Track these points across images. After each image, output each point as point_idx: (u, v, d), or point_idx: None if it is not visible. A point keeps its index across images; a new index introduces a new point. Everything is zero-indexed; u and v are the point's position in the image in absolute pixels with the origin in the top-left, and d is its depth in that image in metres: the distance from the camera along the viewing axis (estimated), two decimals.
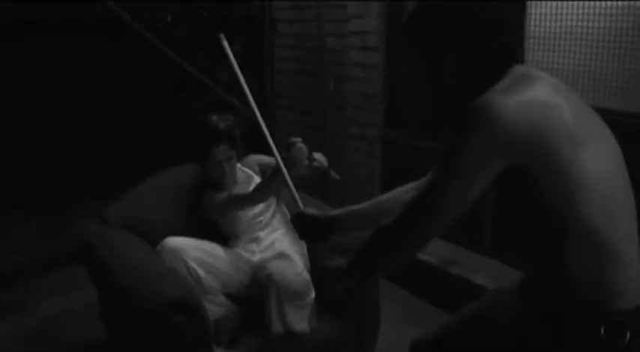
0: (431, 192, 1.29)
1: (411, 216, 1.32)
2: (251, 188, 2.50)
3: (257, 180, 2.59)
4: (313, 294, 2.38)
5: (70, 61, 3.60)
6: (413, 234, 1.32)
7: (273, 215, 2.60)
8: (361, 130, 3.84)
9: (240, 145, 2.52)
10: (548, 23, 2.68)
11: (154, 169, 2.79)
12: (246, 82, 1.88)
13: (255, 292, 2.40)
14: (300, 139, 2.15)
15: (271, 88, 4.46)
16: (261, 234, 2.54)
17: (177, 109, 4.02)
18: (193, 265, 2.29)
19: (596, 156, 1.26)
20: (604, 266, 1.27)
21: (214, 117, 2.49)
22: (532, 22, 2.73)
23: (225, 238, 2.57)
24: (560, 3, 2.64)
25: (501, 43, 1.33)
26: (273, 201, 2.60)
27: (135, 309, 2.03)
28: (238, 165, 2.59)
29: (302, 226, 1.79)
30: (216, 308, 2.31)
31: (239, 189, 2.53)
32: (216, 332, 2.28)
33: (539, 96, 1.26)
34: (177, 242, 2.33)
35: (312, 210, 1.81)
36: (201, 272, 2.30)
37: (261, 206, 2.54)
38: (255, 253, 2.50)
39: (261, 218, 2.55)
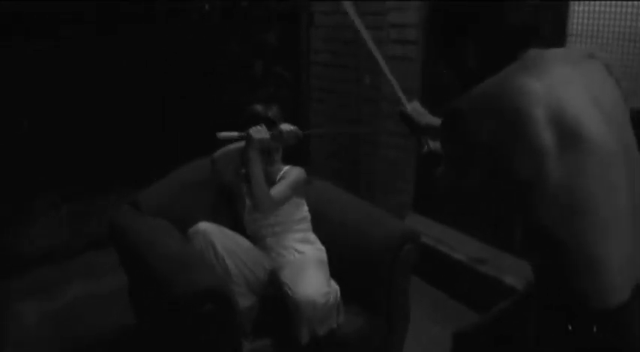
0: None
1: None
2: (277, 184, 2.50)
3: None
4: (338, 295, 2.36)
5: (109, 52, 3.64)
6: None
7: (284, 226, 2.55)
8: (396, 125, 3.79)
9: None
10: (591, 21, 2.63)
11: (188, 158, 2.81)
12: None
13: (272, 294, 2.40)
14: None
15: (306, 80, 4.45)
16: (268, 241, 2.53)
17: (213, 101, 4.03)
18: (221, 250, 2.30)
19: (570, 165, 1.26)
20: (586, 273, 1.31)
21: (259, 106, 2.52)
22: (575, 21, 2.69)
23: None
24: (603, 2, 2.58)
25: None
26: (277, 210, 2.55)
27: (165, 296, 2.05)
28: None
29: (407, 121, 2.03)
30: (239, 298, 2.30)
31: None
32: (240, 323, 2.28)
33: (512, 97, 1.28)
34: (208, 226, 2.34)
35: (414, 107, 2.08)
36: (227, 258, 2.30)
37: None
38: (272, 258, 2.49)
39: (266, 222, 2.53)
